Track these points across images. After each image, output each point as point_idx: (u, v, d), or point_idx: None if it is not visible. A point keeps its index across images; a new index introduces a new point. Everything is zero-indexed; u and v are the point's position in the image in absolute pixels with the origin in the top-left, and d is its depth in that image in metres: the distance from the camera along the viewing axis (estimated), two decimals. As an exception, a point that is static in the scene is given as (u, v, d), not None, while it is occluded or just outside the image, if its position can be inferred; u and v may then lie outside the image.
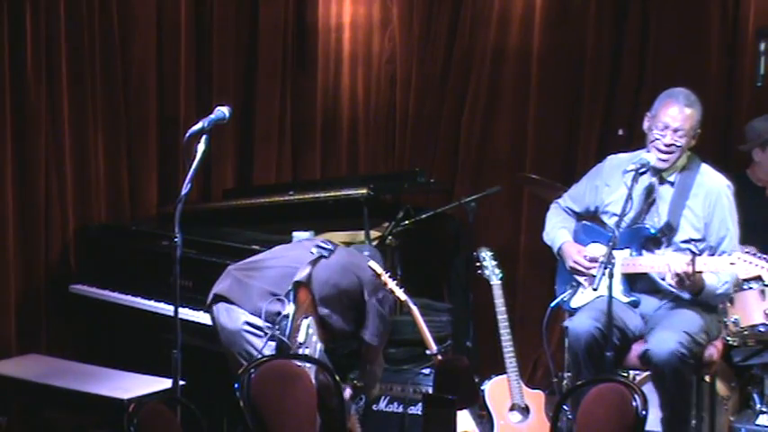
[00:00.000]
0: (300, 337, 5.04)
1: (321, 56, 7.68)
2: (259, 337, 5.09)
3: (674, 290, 5.16)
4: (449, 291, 6.84)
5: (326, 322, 5.22)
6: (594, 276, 5.03)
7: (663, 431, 5.19)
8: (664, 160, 5.22)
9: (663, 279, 5.15)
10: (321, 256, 5.29)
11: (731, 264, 4.91)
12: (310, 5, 7.58)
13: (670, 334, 5.00)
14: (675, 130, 5.18)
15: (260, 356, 4.92)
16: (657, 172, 5.29)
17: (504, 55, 7.50)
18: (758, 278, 4.95)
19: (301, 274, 5.16)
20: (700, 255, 5.04)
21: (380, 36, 7.85)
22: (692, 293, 5.13)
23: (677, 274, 4.96)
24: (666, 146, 5.19)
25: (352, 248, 5.57)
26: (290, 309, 5.09)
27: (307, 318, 5.09)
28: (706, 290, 5.11)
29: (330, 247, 5.35)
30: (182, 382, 4.64)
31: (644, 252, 5.24)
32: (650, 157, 5.22)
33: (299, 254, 5.33)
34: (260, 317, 5.12)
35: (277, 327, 5.07)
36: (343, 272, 5.29)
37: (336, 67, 7.78)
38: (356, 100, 7.85)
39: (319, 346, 5.09)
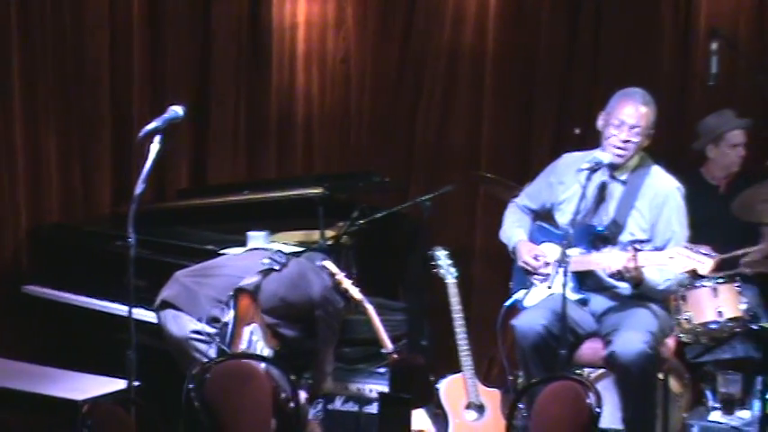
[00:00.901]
0: (243, 345, 5.02)
1: (275, 55, 7.65)
2: (207, 344, 5.07)
3: (614, 281, 5.19)
4: (404, 290, 6.84)
5: (275, 330, 5.21)
6: (544, 276, 5.07)
7: (627, 431, 5.22)
8: (619, 156, 5.26)
9: (608, 275, 5.19)
10: (272, 269, 5.27)
11: (670, 258, 4.96)
12: (264, 4, 7.55)
13: (635, 334, 5.04)
14: (631, 127, 5.22)
15: (205, 360, 4.91)
16: (610, 170, 5.32)
17: (458, 54, 7.51)
18: (694, 272, 5.00)
19: (246, 282, 5.14)
20: (641, 250, 5.07)
21: (335, 35, 7.83)
22: (633, 285, 5.18)
23: (617, 269, 5.01)
24: (623, 142, 5.23)
25: (305, 259, 5.54)
26: (230, 316, 5.07)
27: (249, 325, 5.07)
28: (646, 283, 5.15)
29: (282, 260, 5.33)
30: (136, 383, 4.61)
31: (592, 250, 5.28)
32: (604, 155, 5.25)
33: (250, 263, 5.31)
34: (207, 324, 5.10)
35: (218, 334, 5.06)
36: (292, 287, 5.28)
37: (291, 66, 7.75)
38: (311, 99, 7.82)
39: (267, 352, 5.08)
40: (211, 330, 5.08)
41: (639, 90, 5.31)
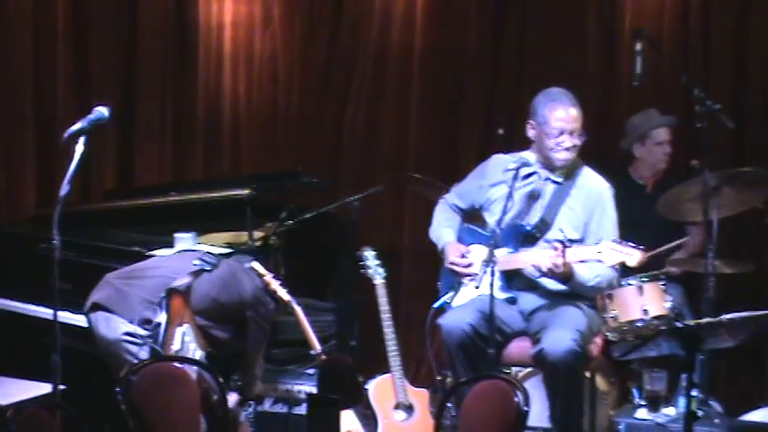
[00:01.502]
0: (175, 346, 4.99)
1: (202, 54, 7.62)
2: (139, 346, 5.03)
3: (543, 277, 5.23)
4: (333, 290, 6.83)
5: (206, 331, 5.18)
6: (471, 276, 5.09)
7: (555, 430, 5.26)
8: (566, 159, 5.30)
9: (539, 275, 5.22)
10: (203, 270, 5.25)
11: (599, 252, 5.01)
12: (191, 4, 7.51)
13: (564, 332, 5.07)
14: (571, 132, 5.26)
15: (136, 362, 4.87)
16: (546, 173, 5.36)
17: (385, 54, 7.52)
18: (625, 265, 5.05)
19: (179, 283, 5.12)
20: (570, 246, 5.11)
21: (262, 35, 7.80)
22: (562, 282, 5.21)
23: (546, 266, 5.05)
24: (568, 150, 5.27)
25: (234, 261, 5.52)
26: (162, 317, 5.04)
27: (182, 326, 5.04)
28: (576, 279, 5.19)
29: (213, 260, 5.31)
30: (62, 387, 4.57)
31: (521, 249, 5.31)
32: (530, 156, 5.28)
33: (181, 264, 5.28)
34: (139, 326, 5.06)
35: (151, 336, 5.02)
36: (224, 288, 5.25)
37: (218, 66, 7.72)
38: (238, 99, 7.79)
39: (198, 353, 5.05)
40: (143, 332, 5.04)
41: (561, 90, 5.34)
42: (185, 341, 5.02)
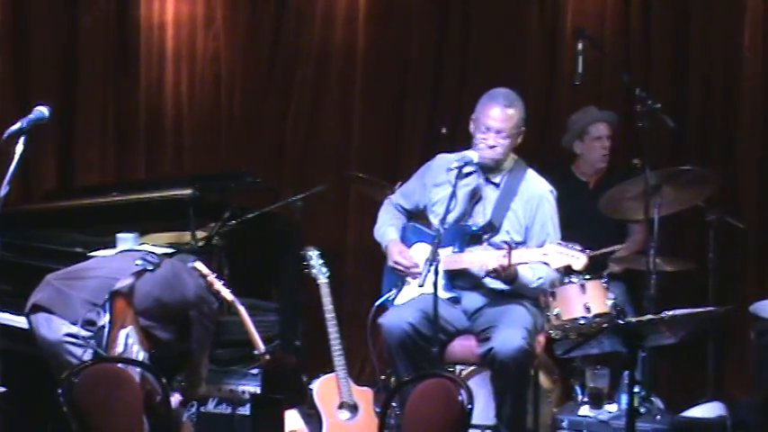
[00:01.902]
0: (119, 348, 4.96)
1: (144, 54, 7.58)
2: (81, 347, 4.99)
3: (489, 278, 5.24)
4: (277, 290, 6.81)
5: (149, 332, 5.15)
6: (414, 276, 5.10)
7: (501, 428, 5.27)
8: (489, 157, 5.30)
9: (483, 275, 5.24)
10: (145, 269, 5.22)
11: (544, 254, 5.03)
12: (132, 3, 7.47)
13: (513, 331, 5.08)
14: (498, 132, 5.27)
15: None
16: (484, 172, 5.37)
17: (328, 53, 7.51)
18: (569, 267, 5.07)
19: (121, 285, 5.08)
20: (515, 248, 5.13)
21: (204, 34, 7.76)
22: (507, 283, 5.23)
23: (492, 267, 5.06)
24: (490, 147, 5.28)
25: (177, 260, 5.49)
26: (105, 320, 5.00)
27: (125, 328, 5.01)
28: (520, 280, 5.21)
29: (155, 260, 5.28)
30: (2, 389, 4.52)
31: (466, 249, 5.32)
32: (473, 154, 5.30)
33: (123, 265, 5.25)
34: (82, 327, 5.02)
35: (94, 338, 4.98)
36: (167, 287, 5.22)
37: (160, 66, 7.67)
38: (180, 99, 7.75)
39: (142, 355, 5.02)
40: (86, 334, 5.00)
41: (504, 90, 5.35)
42: (128, 343, 4.99)
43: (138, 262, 5.23)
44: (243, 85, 7.74)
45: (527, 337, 5.09)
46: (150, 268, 5.23)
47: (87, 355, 4.96)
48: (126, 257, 5.36)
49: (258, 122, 7.71)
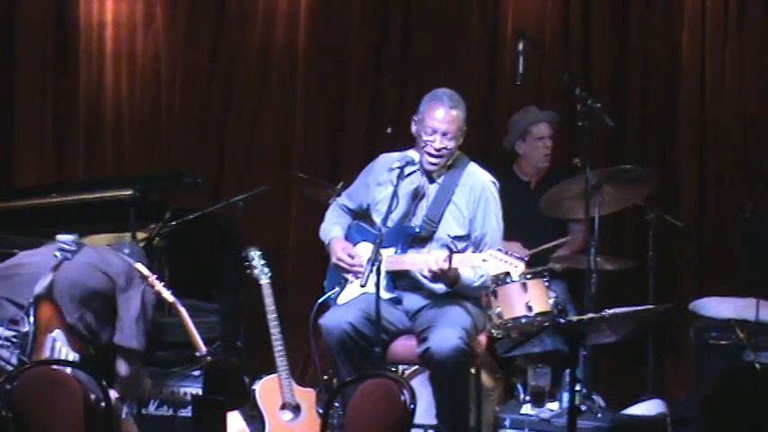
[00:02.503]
0: (46, 353, 4.89)
1: (83, 54, 7.53)
2: (7, 348, 4.93)
3: (429, 283, 5.25)
4: (218, 291, 6.79)
5: (78, 330, 5.08)
6: (356, 274, 5.09)
7: (442, 427, 5.28)
8: (434, 164, 5.30)
9: (423, 276, 5.24)
10: (64, 259, 5.15)
11: (483, 260, 5.02)
12: (71, 2, 7.41)
13: (450, 331, 5.08)
14: (444, 134, 5.26)
15: (9, 367, 4.77)
16: (426, 172, 5.37)
17: (269, 54, 7.50)
18: (507, 274, 5.09)
19: (41, 287, 5.01)
20: (458, 251, 5.14)
21: (144, 34, 7.72)
22: (448, 285, 5.25)
23: (432, 271, 5.07)
24: (437, 150, 5.27)
25: (103, 246, 5.44)
26: (29, 326, 4.94)
27: (52, 332, 4.95)
28: (461, 282, 5.22)
29: (73, 247, 5.21)
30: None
31: (408, 250, 5.32)
32: (414, 154, 5.30)
33: (44, 258, 5.18)
34: (6, 328, 4.96)
35: (17, 345, 4.92)
36: (89, 270, 5.16)
37: (99, 66, 7.63)
38: (120, 99, 7.71)
39: (72, 356, 4.96)
40: (9, 333, 4.94)
41: (447, 91, 5.35)
42: (56, 347, 4.92)
43: (57, 254, 5.16)
44: (183, 85, 7.71)
45: (464, 336, 5.09)
46: (69, 257, 5.16)
47: (15, 358, 4.90)
48: (46, 250, 5.28)
49: (199, 122, 7.68)
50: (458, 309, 5.26)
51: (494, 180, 5.44)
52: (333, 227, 5.58)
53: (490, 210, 5.37)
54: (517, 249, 5.63)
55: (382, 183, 5.46)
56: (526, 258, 5.03)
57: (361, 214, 5.61)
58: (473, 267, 5.21)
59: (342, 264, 5.39)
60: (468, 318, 5.24)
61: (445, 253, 5.04)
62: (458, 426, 5.28)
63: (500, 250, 5.00)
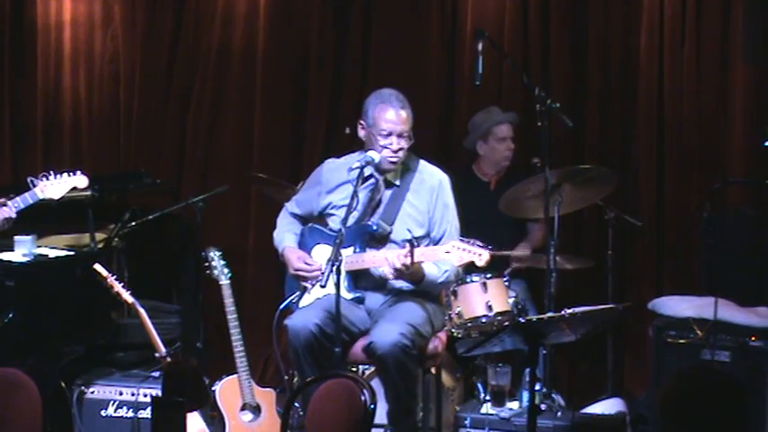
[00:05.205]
0: None
1: (40, 55, 7.49)
2: None
3: (393, 281, 5.25)
4: (178, 292, 6.78)
5: None
6: (316, 281, 5.09)
7: (388, 423, 5.29)
8: (394, 163, 5.31)
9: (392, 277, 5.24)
10: None
11: (446, 252, 5.04)
12: (28, 3, 7.37)
13: (392, 326, 5.09)
14: (399, 135, 5.27)
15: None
16: (382, 173, 5.38)
17: (228, 54, 7.48)
18: (472, 264, 5.09)
19: None
20: (418, 246, 5.15)
21: (102, 34, 7.69)
22: (413, 283, 5.25)
23: (395, 268, 5.07)
24: (395, 152, 5.28)
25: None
26: None
27: None
28: (426, 279, 5.24)
29: None
30: None
31: (367, 249, 5.32)
32: (374, 155, 5.29)
33: None
34: None
35: None
36: None
37: (57, 67, 7.59)
38: (79, 100, 7.67)
39: None
40: None
41: (393, 91, 5.35)
42: None
43: None
44: (142, 86, 7.67)
45: (407, 332, 5.07)
46: None
47: None
48: None
49: (158, 123, 7.65)
50: (411, 305, 5.27)
51: (446, 176, 5.46)
52: (285, 235, 5.57)
53: (446, 205, 5.41)
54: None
55: (333, 188, 5.45)
56: (490, 246, 5.04)
57: (311, 220, 5.60)
58: (436, 263, 5.22)
59: (300, 273, 5.37)
60: (420, 314, 5.24)
61: (406, 249, 5.05)
62: (401, 422, 5.27)
63: (462, 240, 5.01)
